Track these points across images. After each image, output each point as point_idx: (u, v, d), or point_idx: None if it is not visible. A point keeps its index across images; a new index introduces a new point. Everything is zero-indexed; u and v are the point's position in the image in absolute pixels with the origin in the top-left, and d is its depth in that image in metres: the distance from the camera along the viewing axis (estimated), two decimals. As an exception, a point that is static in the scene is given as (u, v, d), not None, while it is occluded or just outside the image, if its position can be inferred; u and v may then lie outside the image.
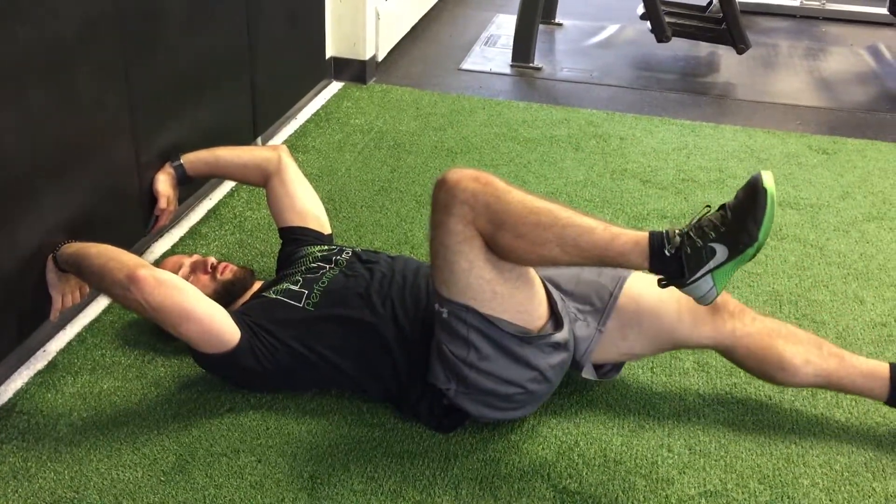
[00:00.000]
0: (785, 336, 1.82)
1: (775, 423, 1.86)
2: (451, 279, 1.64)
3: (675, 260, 1.53)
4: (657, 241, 1.53)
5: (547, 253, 1.58)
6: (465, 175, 1.59)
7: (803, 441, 1.81)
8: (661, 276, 1.57)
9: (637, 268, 1.58)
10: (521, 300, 1.68)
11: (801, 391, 1.95)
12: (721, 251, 1.52)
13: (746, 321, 1.82)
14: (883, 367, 1.82)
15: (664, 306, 1.81)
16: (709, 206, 1.64)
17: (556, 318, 1.73)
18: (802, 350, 1.80)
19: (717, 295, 1.56)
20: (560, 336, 1.71)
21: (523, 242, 1.57)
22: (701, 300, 1.57)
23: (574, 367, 1.80)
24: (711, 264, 1.52)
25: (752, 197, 1.51)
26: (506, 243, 1.59)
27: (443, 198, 1.60)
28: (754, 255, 1.53)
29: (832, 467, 1.75)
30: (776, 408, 1.90)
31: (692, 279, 1.53)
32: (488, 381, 1.69)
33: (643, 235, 1.55)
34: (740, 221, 1.51)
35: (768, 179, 1.50)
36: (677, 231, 1.54)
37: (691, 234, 1.53)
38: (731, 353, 1.84)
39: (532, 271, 1.71)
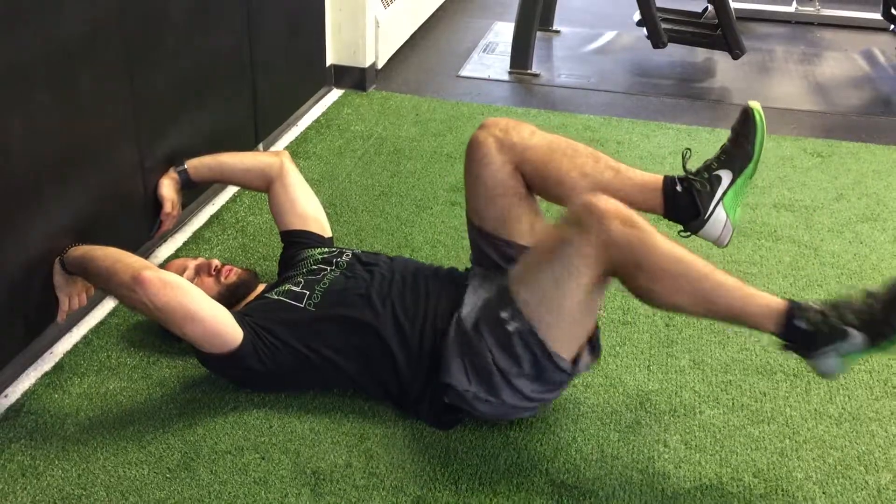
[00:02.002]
0: (564, 149, 1.83)
1: (769, 417, 1.89)
2: (546, 293, 1.63)
3: (806, 334, 1.54)
4: (792, 313, 1.55)
5: (679, 301, 1.60)
6: (615, 208, 1.58)
7: (797, 436, 1.84)
8: (790, 346, 1.58)
9: (765, 331, 1.58)
10: (582, 330, 1.71)
11: (794, 387, 1.98)
12: (859, 339, 1.54)
13: (525, 135, 1.84)
14: (656, 179, 1.83)
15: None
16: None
17: (592, 345, 1.78)
18: (579, 163, 1.82)
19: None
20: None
21: (659, 287, 1.59)
22: (822, 374, 1.60)
23: None
24: (843, 348, 1.54)
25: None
26: (641, 284, 1.61)
27: (587, 221, 1.58)
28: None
29: (825, 461, 1.78)
30: (770, 403, 1.93)
31: (819, 353, 1.56)
32: (515, 397, 1.72)
33: (779, 302, 1.56)
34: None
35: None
36: (815, 306, 1.55)
37: (831, 315, 1.54)
38: (523, 171, 1.84)
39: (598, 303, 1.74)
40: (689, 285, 1.58)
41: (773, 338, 1.58)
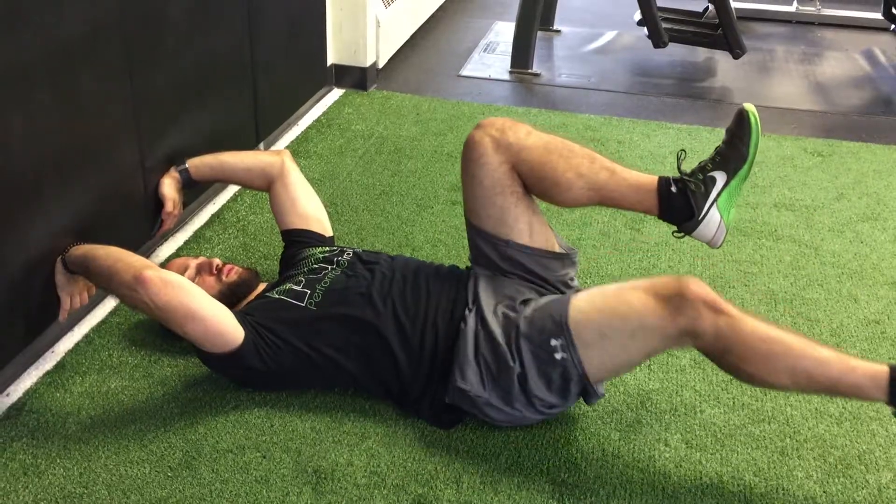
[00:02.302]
0: (559, 149, 1.84)
1: (770, 417, 1.89)
2: (609, 340, 1.65)
3: None
4: None
5: (776, 381, 1.61)
6: (706, 297, 1.58)
7: (797, 435, 1.85)
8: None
9: (872, 400, 1.58)
10: (619, 374, 1.80)
11: (795, 386, 1.98)
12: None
13: (521, 135, 1.84)
14: (651, 180, 1.83)
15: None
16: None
17: None
18: (575, 163, 1.82)
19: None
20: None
21: (752, 368, 1.60)
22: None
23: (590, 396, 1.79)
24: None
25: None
26: (731, 365, 1.62)
27: (681, 305, 1.59)
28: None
29: (826, 460, 1.78)
30: (771, 402, 1.93)
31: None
32: (528, 409, 1.75)
33: (882, 371, 1.56)
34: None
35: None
36: None
37: None
38: (519, 171, 1.84)
39: None
40: (784, 365, 1.58)
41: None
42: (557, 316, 1.69)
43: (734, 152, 1.83)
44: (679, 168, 1.85)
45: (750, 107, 1.83)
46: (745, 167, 1.83)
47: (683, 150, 1.89)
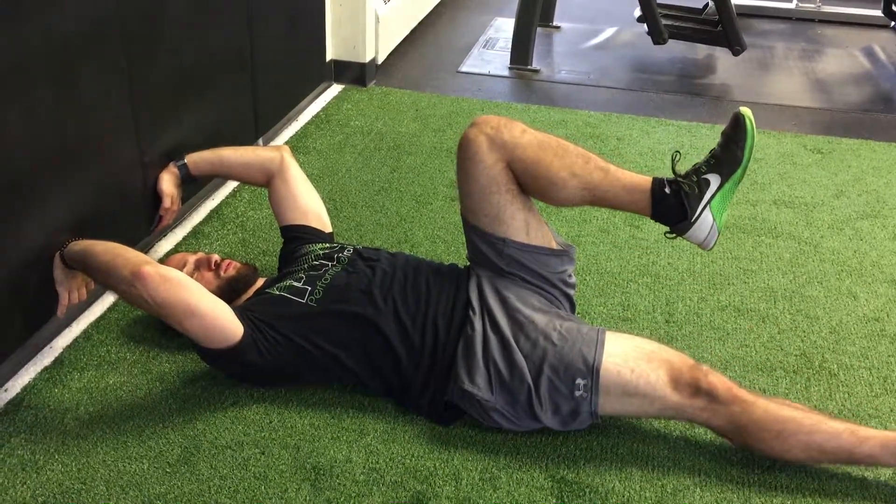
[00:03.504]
0: (554, 148, 1.84)
1: (769, 414, 1.89)
2: (626, 399, 1.71)
3: None
4: None
5: (790, 456, 1.70)
6: (719, 386, 1.68)
7: (796, 432, 1.85)
8: None
9: (889, 467, 1.71)
10: None
11: (794, 384, 1.98)
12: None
13: (516, 133, 1.84)
14: (645, 181, 1.84)
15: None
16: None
17: None
18: (569, 162, 1.83)
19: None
20: None
21: (765, 447, 1.70)
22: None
23: None
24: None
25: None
26: (745, 444, 1.72)
27: (695, 392, 1.68)
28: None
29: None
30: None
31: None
32: (532, 422, 1.76)
33: (893, 438, 1.65)
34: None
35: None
36: None
37: None
38: (514, 169, 1.84)
39: None
40: (796, 441, 1.67)
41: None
42: (591, 359, 1.72)
43: (729, 155, 1.84)
44: (673, 169, 1.85)
45: (746, 111, 1.84)
46: (740, 171, 1.84)
47: (678, 152, 1.90)
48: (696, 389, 1.67)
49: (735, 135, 1.84)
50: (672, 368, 1.69)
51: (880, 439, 1.65)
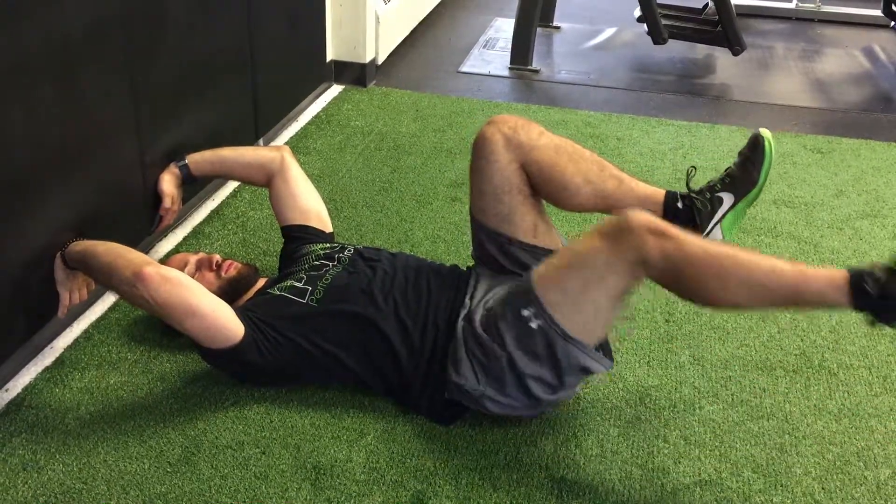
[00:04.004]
0: (570, 153, 1.84)
1: (768, 413, 1.89)
2: (571, 293, 1.63)
3: (879, 298, 1.45)
4: (857, 280, 1.47)
5: (734, 299, 1.55)
6: (648, 224, 1.55)
7: (796, 431, 1.85)
8: (871, 318, 1.49)
9: (837, 307, 1.49)
10: (603, 329, 1.71)
11: (794, 383, 1.99)
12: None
13: (533, 135, 1.85)
14: (658, 193, 1.84)
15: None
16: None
17: (603, 346, 1.78)
18: (584, 169, 1.83)
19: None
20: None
21: (706, 289, 1.55)
22: None
23: None
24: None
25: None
26: (687, 290, 1.58)
27: (624, 238, 1.56)
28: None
29: (824, 456, 1.79)
30: (769, 399, 1.94)
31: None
32: (524, 397, 1.73)
33: (839, 274, 1.49)
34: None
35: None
36: (879, 267, 1.47)
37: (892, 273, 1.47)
38: (528, 171, 1.84)
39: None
40: (738, 280, 1.52)
41: (860, 315, 1.50)
42: (525, 286, 1.69)
43: (745, 176, 1.84)
44: (688, 184, 1.85)
45: (766, 133, 1.84)
46: (755, 191, 1.84)
47: (694, 167, 1.91)
48: (623, 231, 1.56)
49: (753, 156, 1.85)
50: (595, 227, 1.61)
51: (828, 275, 1.49)
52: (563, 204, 1.87)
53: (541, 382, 1.71)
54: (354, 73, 3.66)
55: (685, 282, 1.56)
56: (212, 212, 2.65)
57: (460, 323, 1.80)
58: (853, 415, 1.90)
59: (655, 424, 1.86)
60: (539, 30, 4.15)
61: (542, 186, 1.86)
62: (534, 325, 1.66)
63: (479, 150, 1.87)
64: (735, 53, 3.96)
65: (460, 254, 2.42)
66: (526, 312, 1.67)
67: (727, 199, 1.83)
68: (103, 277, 1.83)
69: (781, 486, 1.71)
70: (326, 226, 2.21)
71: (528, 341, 1.68)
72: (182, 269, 1.94)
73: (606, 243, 1.58)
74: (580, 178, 1.82)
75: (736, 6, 3.97)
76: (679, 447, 1.80)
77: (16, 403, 1.86)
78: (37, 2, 1.75)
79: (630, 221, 1.56)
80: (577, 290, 1.63)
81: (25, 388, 1.90)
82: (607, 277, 1.60)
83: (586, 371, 1.71)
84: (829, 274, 1.49)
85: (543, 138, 1.85)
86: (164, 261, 2.10)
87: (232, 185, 2.78)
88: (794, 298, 1.52)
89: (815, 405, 1.92)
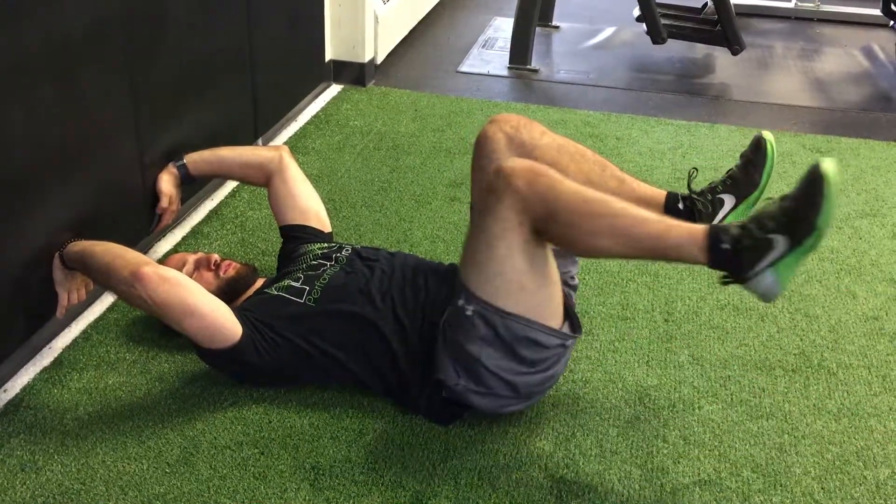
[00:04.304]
0: (572, 153, 1.84)
1: (768, 413, 1.89)
2: (484, 264, 1.63)
3: (733, 254, 1.49)
4: (714, 234, 1.50)
5: (599, 243, 1.56)
6: (521, 165, 1.57)
7: (795, 431, 1.85)
8: (722, 273, 1.53)
9: (693, 261, 1.52)
10: (543, 299, 1.69)
11: (793, 383, 1.99)
12: (782, 243, 1.49)
13: (535, 135, 1.85)
14: (659, 194, 1.85)
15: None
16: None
17: (571, 321, 1.77)
18: (585, 169, 1.83)
19: (782, 290, 1.53)
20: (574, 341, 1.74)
21: (576, 232, 1.56)
22: (763, 296, 1.55)
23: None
24: (771, 257, 1.49)
25: (811, 184, 1.51)
26: (558, 232, 1.58)
27: (497, 185, 1.57)
28: (815, 245, 1.51)
29: (824, 456, 1.78)
30: (769, 398, 1.93)
31: (752, 273, 1.51)
32: (501, 384, 1.71)
33: (699, 228, 1.52)
34: (800, 210, 1.51)
35: (828, 166, 1.50)
36: (735, 224, 1.51)
37: (750, 226, 1.50)
38: None
39: (556, 273, 1.71)
40: (605, 224, 1.54)
41: (716, 273, 1.53)
42: (458, 282, 1.70)
43: (747, 178, 1.85)
44: (689, 186, 1.86)
45: (768, 135, 1.84)
46: (756, 193, 1.85)
47: (695, 169, 1.91)
48: (498, 177, 1.56)
49: (755, 158, 1.85)
50: (482, 185, 1.60)
51: (689, 228, 1.52)
52: None
53: (504, 366, 1.69)
54: (353, 73, 3.66)
55: (559, 227, 1.56)
56: (210, 212, 2.64)
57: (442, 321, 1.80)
58: (852, 414, 1.90)
59: (654, 424, 1.85)
60: (538, 29, 4.15)
61: None
62: (469, 311, 1.66)
63: (481, 149, 1.87)
64: (734, 53, 3.96)
65: (459, 253, 2.41)
66: (460, 302, 1.68)
67: (728, 200, 1.84)
68: (101, 277, 1.83)
69: (781, 485, 1.71)
70: (325, 225, 2.21)
71: (472, 330, 1.67)
72: (180, 269, 1.94)
73: (490, 198, 1.58)
74: (581, 178, 1.81)
75: (735, 5, 3.97)
76: (678, 447, 1.80)
77: (14, 404, 1.86)
78: (37, 2, 1.75)
79: (503, 167, 1.57)
80: (487, 259, 1.62)
81: (24, 389, 1.90)
82: (506, 234, 1.58)
83: (537, 343, 1.68)
84: (690, 228, 1.52)
85: (545, 138, 1.85)
86: (163, 261, 2.10)
87: (230, 185, 2.78)
88: (656, 248, 1.54)
89: (814, 405, 1.92)
